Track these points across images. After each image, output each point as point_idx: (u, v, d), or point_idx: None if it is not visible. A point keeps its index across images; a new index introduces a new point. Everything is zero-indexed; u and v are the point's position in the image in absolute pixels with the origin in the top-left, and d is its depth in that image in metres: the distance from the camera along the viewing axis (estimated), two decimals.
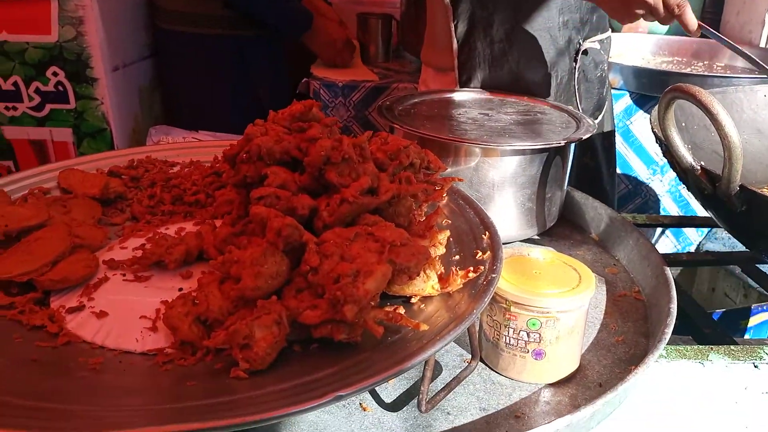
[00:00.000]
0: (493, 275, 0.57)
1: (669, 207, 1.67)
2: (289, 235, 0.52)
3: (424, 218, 0.67)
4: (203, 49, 1.61)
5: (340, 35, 1.72)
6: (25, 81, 1.44)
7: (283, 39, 1.74)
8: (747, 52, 0.97)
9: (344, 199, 0.57)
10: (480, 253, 0.62)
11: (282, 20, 1.62)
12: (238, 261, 0.53)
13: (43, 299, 0.58)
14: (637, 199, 1.66)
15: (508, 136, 0.86)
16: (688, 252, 1.42)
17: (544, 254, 0.67)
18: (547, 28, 1.12)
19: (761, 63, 0.97)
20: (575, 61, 1.17)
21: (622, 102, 1.59)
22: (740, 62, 1.81)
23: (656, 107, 0.75)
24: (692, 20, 0.90)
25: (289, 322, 0.50)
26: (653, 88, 1.52)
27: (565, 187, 0.94)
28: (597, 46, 1.19)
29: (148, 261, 0.61)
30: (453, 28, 1.15)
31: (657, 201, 1.66)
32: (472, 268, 0.56)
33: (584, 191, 0.97)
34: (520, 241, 0.91)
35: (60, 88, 1.44)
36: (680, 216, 1.25)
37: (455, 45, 1.16)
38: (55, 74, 1.43)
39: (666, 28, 2.12)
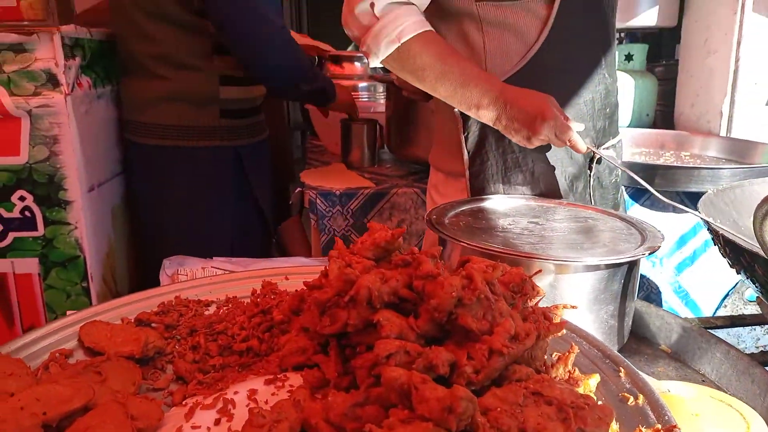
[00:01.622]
0: (677, 430, 0.48)
1: (670, 300, 1.65)
2: (464, 411, 0.41)
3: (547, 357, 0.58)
4: (197, 162, 1.49)
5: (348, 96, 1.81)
6: None
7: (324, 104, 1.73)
8: (637, 177, 1.03)
9: (494, 350, 0.48)
10: (632, 399, 0.53)
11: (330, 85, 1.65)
12: None
13: None
14: (639, 292, 1.63)
15: (579, 249, 0.80)
16: None
17: (685, 389, 0.59)
18: None
19: (650, 188, 1.02)
20: (590, 168, 1.15)
21: None
22: (711, 151, 1.89)
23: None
24: (581, 145, 1.01)
25: None
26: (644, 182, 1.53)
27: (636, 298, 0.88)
28: (612, 153, 1.18)
29: None
30: (464, 140, 1.12)
31: (659, 293, 1.64)
32: (660, 427, 0.46)
33: None
34: None
35: (27, 213, 1.28)
36: (731, 316, 1.22)
37: (466, 156, 1.12)
38: (21, 199, 1.27)
39: (629, 121, 2.22)
